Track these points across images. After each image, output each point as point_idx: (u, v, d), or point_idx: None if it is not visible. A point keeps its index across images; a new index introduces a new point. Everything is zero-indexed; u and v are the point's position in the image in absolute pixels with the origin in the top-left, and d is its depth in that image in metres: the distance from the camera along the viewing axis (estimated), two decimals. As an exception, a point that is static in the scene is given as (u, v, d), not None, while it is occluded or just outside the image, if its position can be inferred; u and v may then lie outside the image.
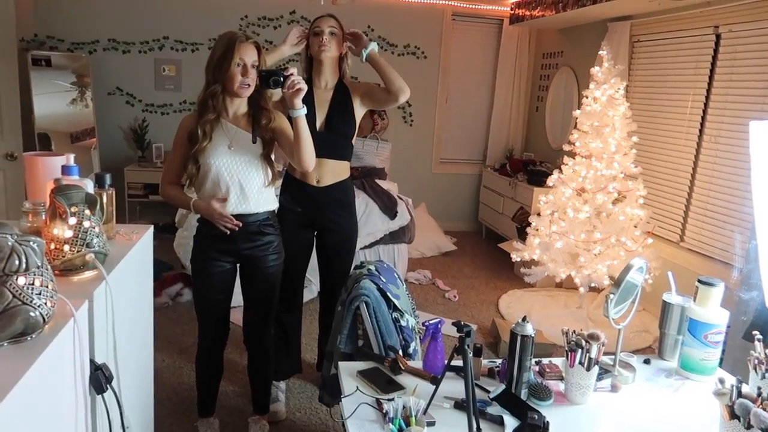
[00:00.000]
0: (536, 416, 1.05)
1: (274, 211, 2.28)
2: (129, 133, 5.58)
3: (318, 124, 2.53)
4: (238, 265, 2.31)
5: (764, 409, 1.30)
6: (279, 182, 2.34)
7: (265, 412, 2.54)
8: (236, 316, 2.51)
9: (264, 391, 2.53)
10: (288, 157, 2.20)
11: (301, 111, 2.02)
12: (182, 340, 3.40)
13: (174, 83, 5.59)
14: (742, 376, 1.48)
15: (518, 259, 4.21)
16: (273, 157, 2.19)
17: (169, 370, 3.04)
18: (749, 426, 1.35)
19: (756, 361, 1.62)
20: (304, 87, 2.01)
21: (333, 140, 2.55)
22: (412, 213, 4.46)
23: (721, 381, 1.48)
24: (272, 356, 2.48)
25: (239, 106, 2.15)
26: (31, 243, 0.94)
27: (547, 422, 1.05)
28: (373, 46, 2.50)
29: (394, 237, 4.30)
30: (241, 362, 3.08)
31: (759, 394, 1.36)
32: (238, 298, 2.37)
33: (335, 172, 2.60)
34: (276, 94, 2.21)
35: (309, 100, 2.48)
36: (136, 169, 5.38)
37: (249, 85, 2.06)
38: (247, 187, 2.13)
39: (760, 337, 1.65)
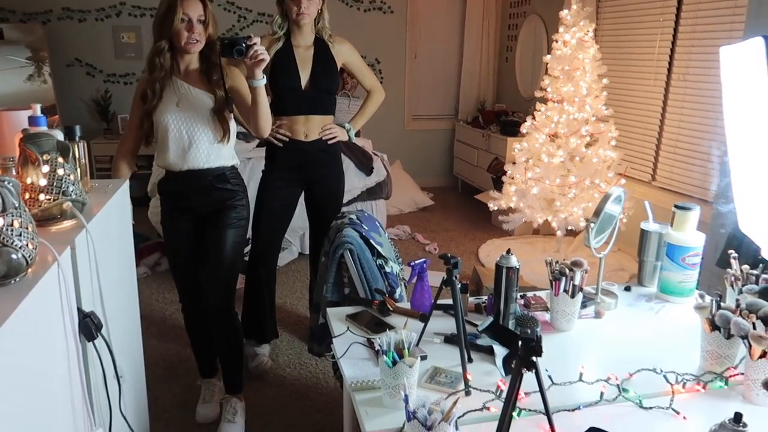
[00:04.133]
0: (528, 330, 1.07)
1: (232, 167, 2.21)
2: (92, 106, 5.42)
3: (303, 83, 2.53)
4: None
5: (743, 318, 1.35)
6: (233, 140, 2.27)
7: (238, 391, 2.38)
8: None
9: (236, 371, 2.36)
10: (244, 120, 2.17)
11: (261, 81, 1.99)
12: (164, 308, 3.37)
13: (134, 51, 5.41)
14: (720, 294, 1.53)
15: (495, 208, 4.25)
16: (227, 114, 2.12)
17: (154, 337, 3.03)
18: (729, 336, 1.40)
19: (732, 278, 1.67)
20: (266, 57, 1.97)
21: (319, 97, 2.59)
22: (387, 168, 4.45)
23: (701, 296, 1.52)
24: (241, 333, 2.36)
25: (190, 61, 2.10)
26: (6, 183, 0.90)
27: (540, 335, 1.07)
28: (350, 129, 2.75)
29: (372, 193, 4.30)
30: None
31: (737, 306, 1.40)
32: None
33: (322, 126, 2.62)
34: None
35: (291, 60, 2.51)
36: (103, 142, 5.24)
37: (197, 40, 2.02)
38: (195, 142, 2.09)
39: (736, 255, 1.69)
